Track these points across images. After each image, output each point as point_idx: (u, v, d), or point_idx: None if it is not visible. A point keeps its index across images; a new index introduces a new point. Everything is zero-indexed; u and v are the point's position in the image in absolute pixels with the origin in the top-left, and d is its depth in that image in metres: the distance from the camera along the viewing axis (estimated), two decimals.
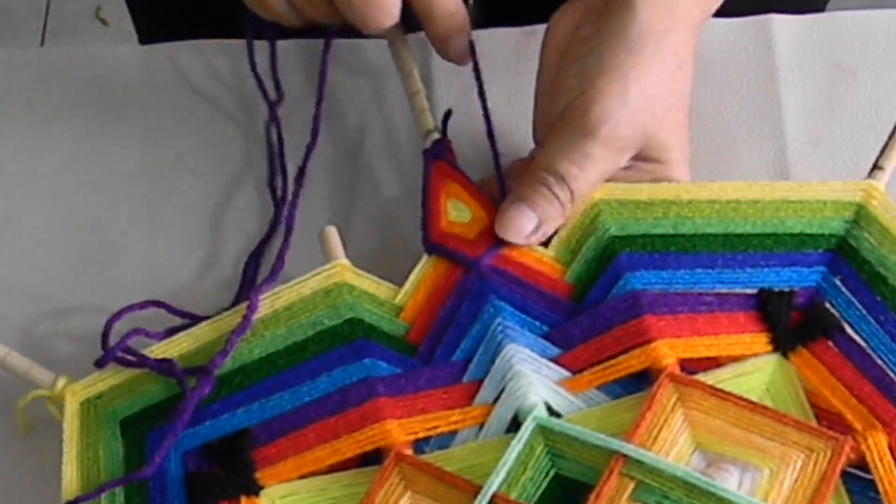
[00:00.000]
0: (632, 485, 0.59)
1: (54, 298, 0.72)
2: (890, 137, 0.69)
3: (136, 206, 0.75)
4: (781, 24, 0.78)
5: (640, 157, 0.68)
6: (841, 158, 0.74)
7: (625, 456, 0.59)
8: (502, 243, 0.67)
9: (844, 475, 0.60)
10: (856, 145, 0.75)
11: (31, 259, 0.73)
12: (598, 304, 0.65)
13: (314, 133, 0.73)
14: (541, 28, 0.71)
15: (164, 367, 0.63)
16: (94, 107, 0.77)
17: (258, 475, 0.61)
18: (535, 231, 0.66)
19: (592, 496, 0.58)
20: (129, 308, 0.67)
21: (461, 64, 0.70)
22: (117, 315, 0.66)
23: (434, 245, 0.67)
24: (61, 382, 0.64)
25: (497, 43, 0.74)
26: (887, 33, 0.78)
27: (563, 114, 0.66)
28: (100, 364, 0.64)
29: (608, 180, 0.67)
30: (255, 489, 0.61)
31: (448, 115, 0.70)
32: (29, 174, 0.75)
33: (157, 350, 0.65)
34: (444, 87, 0.76)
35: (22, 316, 0.71)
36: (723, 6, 0.70)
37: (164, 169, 0.75)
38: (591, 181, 0.66)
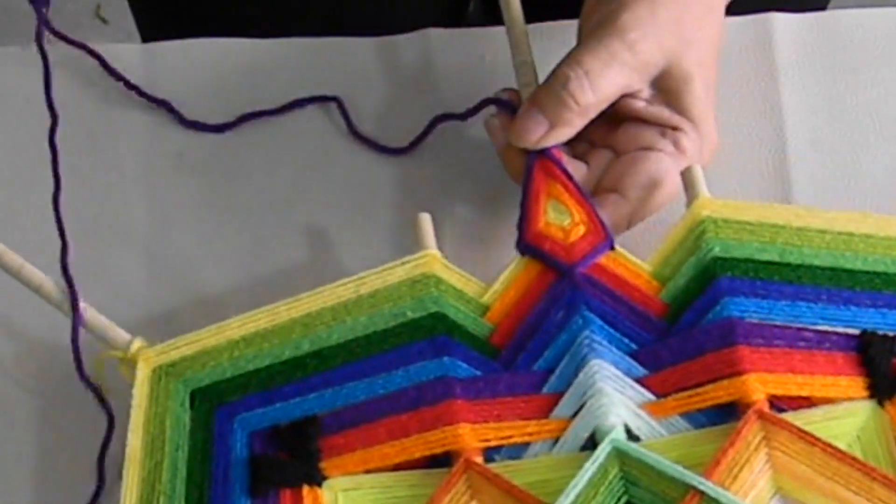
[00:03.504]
0: None
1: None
2: None
3: (136, 205, 0.74)
4: (781, 22, 0.77)
5: (661, 86, 0.68)
6: (841, 157, 0.74)
7: (701, 493, 0.57)
8: (600, 251, 0.64)
9: None
10: (856, 144, 0.74)
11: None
12: (692, 327, 0.62)
13: None
14: (542, 27, 0.73)
15: None
16: (94, 104, 0.76)
17: (323, 464, 0.60)
18: (545, 135, 0.66)
19: None
20: None
21: None
22: None
23: (528, 246, 0.65)
24: (136, 345, 0.63)
25: (498, 42, 0.73)
26: (887, 32, 0.77)
27: (593, 27, 0.67)
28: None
29: (627, 109, 0.68)
30: (318, 479, 0.60)
31: None
32: (30, 171, 0.75)
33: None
34: None
35: None
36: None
37: (164, 167, 0.75)
38: (613, 82, 0.66)
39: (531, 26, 0.73)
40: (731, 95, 0.75)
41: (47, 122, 0.74)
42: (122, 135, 0.76)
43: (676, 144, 0.68)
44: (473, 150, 0.74)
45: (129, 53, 0.78)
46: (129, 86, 0.76)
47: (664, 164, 0.68)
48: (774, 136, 0.74)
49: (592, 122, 0.68)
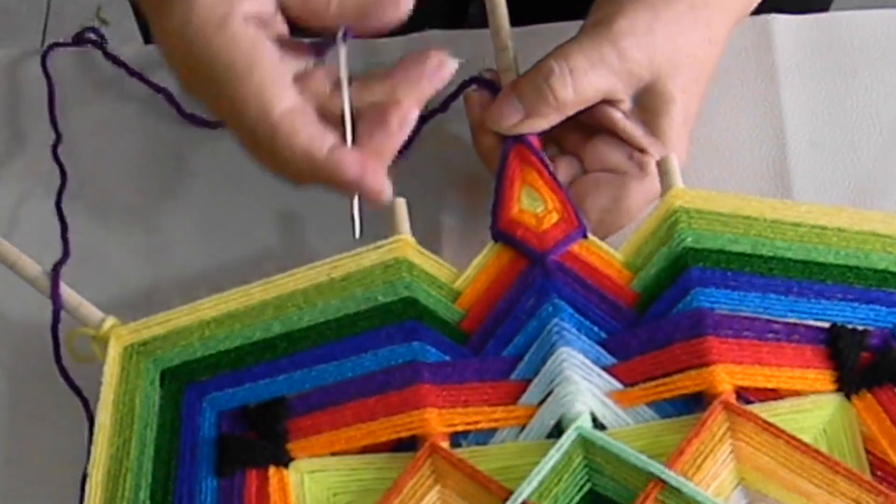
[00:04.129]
0: None
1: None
2: None
3: (136, 206, 0.74)
4: (781, 24, 0.77)
5: (642, 102, 0.67)
6: (841, 159, 0.74)
7: (663, 482, 0.57)
8: (572, 239, 0.65)
9: None
10: (856, 145, 0.74)
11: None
12: (662, 317, 0.62)
13: None
14: (541, 28, 0.74)
15: None
16: (94, 105, 0.77)
17: (290, 446, 0.61)
18: (519, 123, 0.66)
19: None
20: None
21: None
22: None
23: (501, 232, 0.65)
24: (108, 323, 0.64)
25: None
26: (887, 33, 0.77)
27: (591, 25, 0.67)
28: None
29: (604, 117, 0.67)
30: (285, 459, 0.60)
31: None
32: (29, 171, 0.75)
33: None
34: None
35: None
36: None
37: (163, 169, 0.75)
38: (596, 86, 0.66)
39: (525, 28, 0.73)
40: (732, 96, 0.75)
41: (47, 121, 0.75)
42: (120, 130, 0.76)
43: (642, 167, 0.67)
44: (458, 142, 0.74)
45: (130, 54, 0.78)
46: (131, 72, 0.76)
47: (626, 188, 0.67)
48: (774, 138, 0.74)
49: (568, 127, 0.68)
